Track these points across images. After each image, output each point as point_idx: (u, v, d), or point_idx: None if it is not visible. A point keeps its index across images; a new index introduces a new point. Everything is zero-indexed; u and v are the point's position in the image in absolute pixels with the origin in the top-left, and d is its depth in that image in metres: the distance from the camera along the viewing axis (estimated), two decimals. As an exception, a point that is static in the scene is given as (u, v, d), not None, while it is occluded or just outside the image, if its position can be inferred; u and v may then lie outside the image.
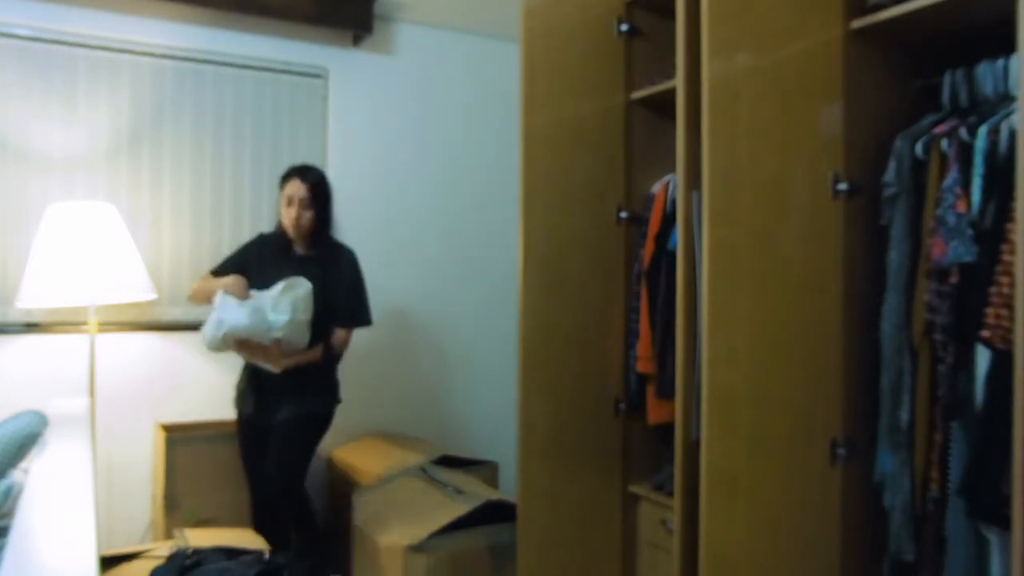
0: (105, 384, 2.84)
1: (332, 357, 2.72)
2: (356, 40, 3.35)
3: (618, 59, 2.49)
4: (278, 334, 2.51)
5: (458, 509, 2.48)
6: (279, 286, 2.51)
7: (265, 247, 2.74)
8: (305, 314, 2.55)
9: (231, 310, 2.49)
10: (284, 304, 2.50)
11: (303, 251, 2.72)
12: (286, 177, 2.67)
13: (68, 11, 2.85)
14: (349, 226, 3.35)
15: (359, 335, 2.78)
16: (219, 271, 2.69)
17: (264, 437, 2.65)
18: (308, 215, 2.65)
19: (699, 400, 1.86)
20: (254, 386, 2.67)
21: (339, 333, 2.70)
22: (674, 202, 2.33)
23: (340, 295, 2.68)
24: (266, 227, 3.17)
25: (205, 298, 2.60)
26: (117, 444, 2.91)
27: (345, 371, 2.75)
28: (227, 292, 2.52)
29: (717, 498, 1.81)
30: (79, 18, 2.86)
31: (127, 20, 2.94)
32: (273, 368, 2.57)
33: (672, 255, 2.24)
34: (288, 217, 2.64)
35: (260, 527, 2.66)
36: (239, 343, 2.54)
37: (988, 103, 1.78)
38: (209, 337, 2.50)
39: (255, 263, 2.68)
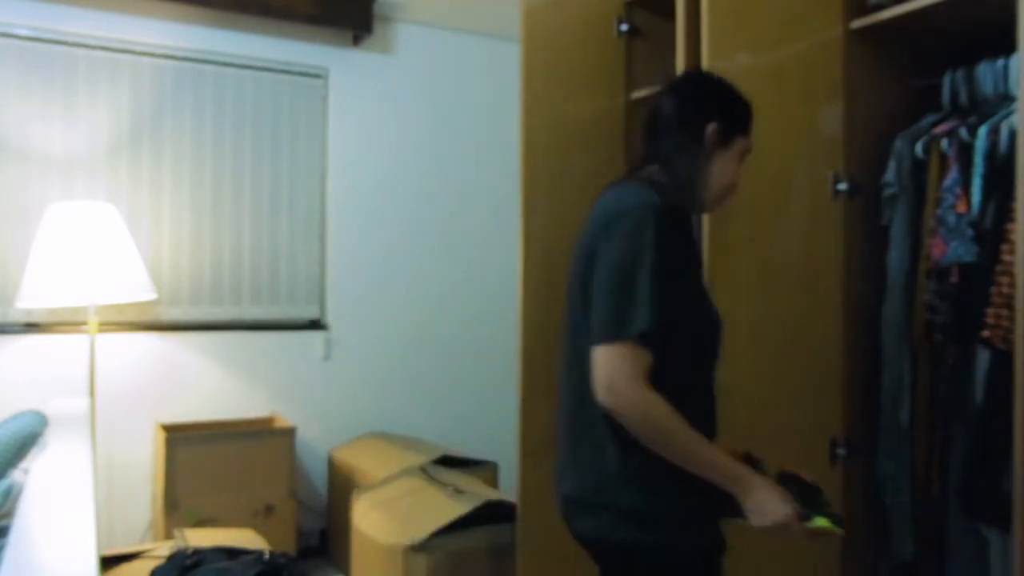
0: (105, 384, 2.84)
1: None
2: (356, 40, 3.35)
3: (618, 59, 2.49)
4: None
5: (458, 509, 2.48)
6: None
7: (687, 235, 1.48)
8: None
9: None
10: None
11: None
12: (744, 118, 1.55)
13: (68, 11, 2.85)
14: (349, 225, 3.36)
15: (364, 335, 2.72)
16: (660, 308, 1.32)
17: None
18: None
19: (699, 400, 1.86)
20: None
21: None
22: (674, 202, 2.33)
23: None
24: (267, 227, 3.17)
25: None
26: (117, 444, 2.91)
27: (346, 371, 2.71)
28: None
29: (717, 498, 1.80)
30: (79, 18, 2.86)
31: (127, 20, 2.95)
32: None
33: (672, 255, 2.23)
34: (736, 177, 1.56)
35: None
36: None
37: (988, 103, 1.78)
38: None
39: (697, 269, 1.53)
